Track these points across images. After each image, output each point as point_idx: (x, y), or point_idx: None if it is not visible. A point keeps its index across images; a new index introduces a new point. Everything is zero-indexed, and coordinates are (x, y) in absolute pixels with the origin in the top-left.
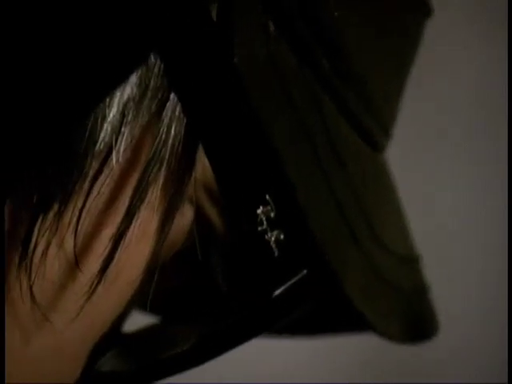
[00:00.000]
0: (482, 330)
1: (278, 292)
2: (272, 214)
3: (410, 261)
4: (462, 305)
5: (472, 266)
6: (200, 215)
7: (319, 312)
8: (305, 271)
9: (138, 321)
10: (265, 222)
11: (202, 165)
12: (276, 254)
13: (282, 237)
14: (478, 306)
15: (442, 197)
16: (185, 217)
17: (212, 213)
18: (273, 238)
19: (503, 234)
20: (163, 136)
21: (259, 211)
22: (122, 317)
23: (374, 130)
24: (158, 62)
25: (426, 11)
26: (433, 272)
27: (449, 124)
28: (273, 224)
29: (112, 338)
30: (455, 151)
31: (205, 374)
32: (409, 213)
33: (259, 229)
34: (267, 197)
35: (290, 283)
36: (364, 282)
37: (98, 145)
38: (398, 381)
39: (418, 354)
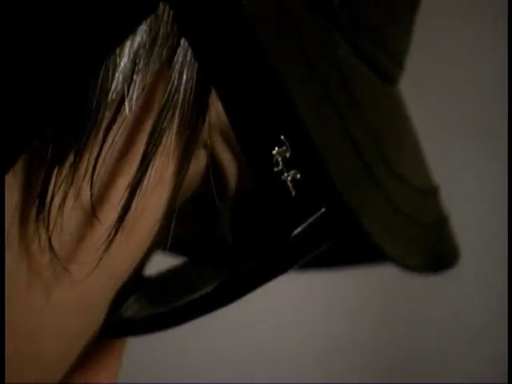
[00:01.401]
0: (482, 330)
1: (296, 231)
2: (287, 155)
3: (429, 192)
4: (461, 304)
5: (472, 267)
6: (214, 159)
7: (339, 246)
8: (323, 209)
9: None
10: (281, 163)
11: (216, 109)
12: (293, 193)
13: (298, 176)
14: (477, 305)
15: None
16: (199, 161)
17: (226, 157)
18: (289, 178)
19: (503, 232)
20: (175, 82)
21: (274, 152)
22: (142, 263)
23: (387, 63)
24: (167, 8)
25: None
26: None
27: (448, 124)
28: (289, 164)
29: (134, 282)
30: (454, 148)
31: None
32: None
33: (275, 169)
34: (282, 137)
35: (308, 222)
36: (383, 216)
37: (110, 94)
38: (397, 381)
39: (418, 353)
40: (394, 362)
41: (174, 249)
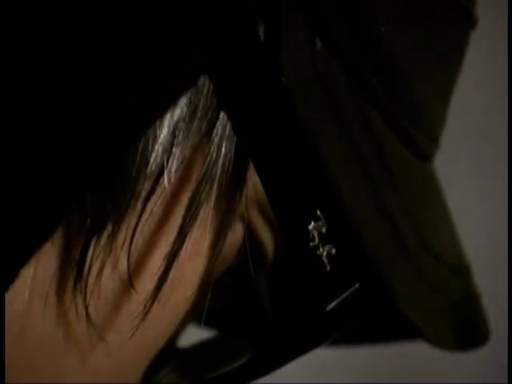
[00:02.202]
0: None
1: (331, 306)
2: (323, 230)
3: (461, 269)
4: None
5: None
6: (251, 232)
7: (372, 322)
8: (357, 285)
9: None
10: (316, 238)
11: (253, 182)
12: (328, 268)
13: (333, 251)
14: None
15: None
16: (236, 233)
17: (263, 230)
18: (324, 253)
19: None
20: (214, 155)
21: (311, 227)
22: (176, 333)
23: (423, 142)
24: (207, 82)
25: (471, 22)
26: None
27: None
28: (324, 239)
29: (168, 353)
30: (454, 151)
31: None
32: None
33: (311, 244)
34: (318, 212)
35: (342, 297)
36: (416, 293)
37: (149, 166)
38: (396, 381)
39: (417, 353)
40: (394, 362)
41: (207, 321)
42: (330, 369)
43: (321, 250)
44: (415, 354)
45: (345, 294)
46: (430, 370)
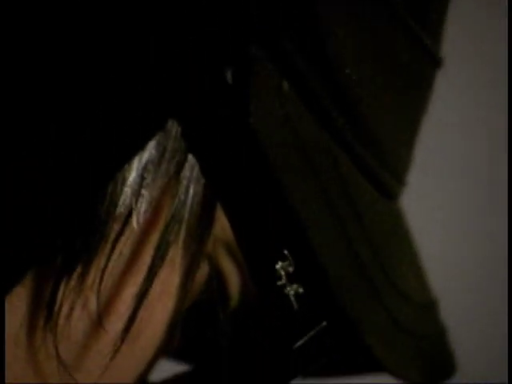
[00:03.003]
0: (482, 330)
1: (297, 344)
2: (290, 269)
3: (428, 306)
4: (461, 304)
5: (472, 266)
6: (217, 270)
7: (338, 356)
8: (324, 323)
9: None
10: (284, 277)
11: (221, 223)
12: (295, 306)
13: (300, 290)
14: (477, 305)
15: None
16: (202, 272)
17: (229, 269)
18: (292, 292)
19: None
20: (182, 196)
21: (278, 266)
22: (147, 369)
23: (389, 181)
24: (176, 125)
25: (436, 63)
26: (435, 273)
27: (448, 123)
28: (292, 278)
29: None
30: (451, 148)
31: None
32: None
33: (278, 283)
34: (285, 252)
35: (309, 335)
36: (382, 330)
37: (118, 207)
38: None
39: None
40: None
41: (177, 355)
42: None
43: (288, 288)
44: None
45: (312, 332)
46: None
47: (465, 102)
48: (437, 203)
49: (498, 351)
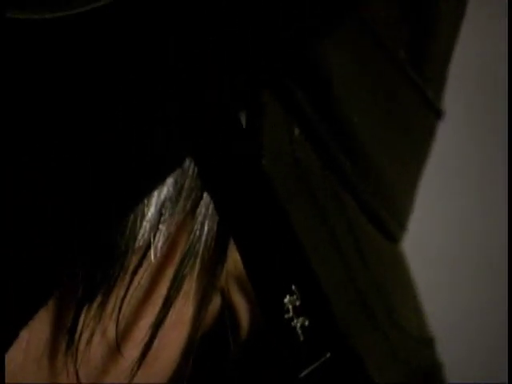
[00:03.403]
0: (482, 330)
1: (303, 374)
2: (297, 303)
3: (426, 342)
4: (461, 304)
5: (473, 266)
6: (229, 303)
7: None
8: (328, 354)
9: None
10: (291, 310)
11: (233, 258)
12: (301, 338)
13: (306, 323)
14: (477, 305)
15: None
16: (214, 304)
17: (240, 301)
18: (298, 324)
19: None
20: (197, 232)
21: (286, 300)
22: None
23: (392, 225)
24: (192, 165)
25: (437, 115)
26: (436, 273)
27: (448, 123)
28: (298, 312)
29: None
30: (451, 150)
31: None
32: None
33: (286, 316)
34: (293, 287)
35: (314, 365)
36: (383, 362)
37: (137, 241)
38: None
39: None
40: None
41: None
42: None
43: (295, 321)
44: None
45: (317, 363)
46: None
47: (465, 102)
48: (437, 203)
49: (498, 351)
